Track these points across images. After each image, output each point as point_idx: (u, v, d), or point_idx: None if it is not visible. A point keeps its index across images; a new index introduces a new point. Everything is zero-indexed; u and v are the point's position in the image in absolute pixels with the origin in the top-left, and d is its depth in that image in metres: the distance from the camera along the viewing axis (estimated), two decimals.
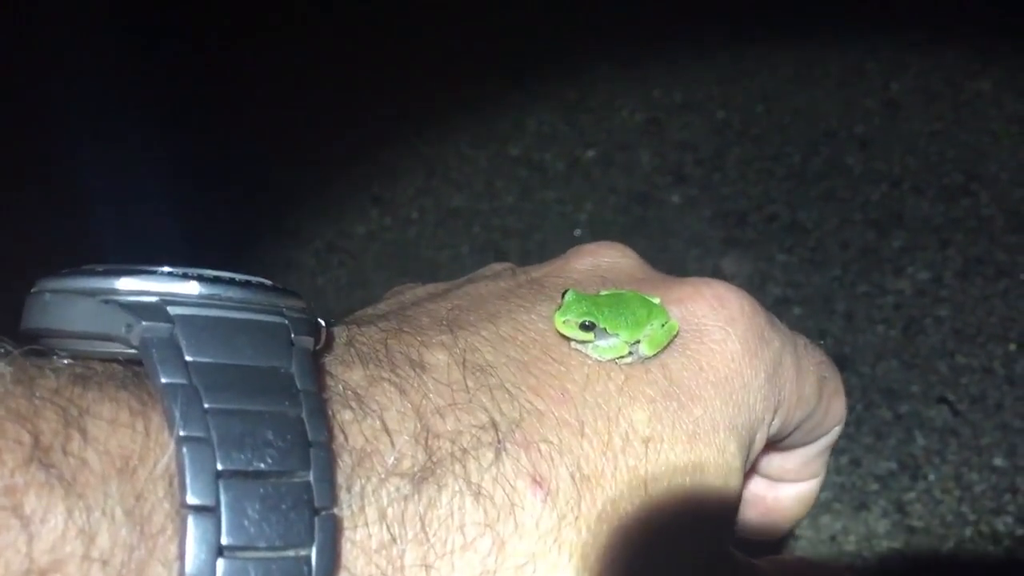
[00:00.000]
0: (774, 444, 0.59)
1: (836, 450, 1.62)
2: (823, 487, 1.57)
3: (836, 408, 0.61)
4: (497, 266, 0.58)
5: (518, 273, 0.57)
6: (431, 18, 2.27)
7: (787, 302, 1.87)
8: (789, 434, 0.59)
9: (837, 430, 0.63)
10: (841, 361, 1.77)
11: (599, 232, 2.03)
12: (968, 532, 1.53)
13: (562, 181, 2.12)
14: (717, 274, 1.95)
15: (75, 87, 1.77)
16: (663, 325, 0.51)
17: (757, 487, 0.68)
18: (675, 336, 0.51)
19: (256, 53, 2.22)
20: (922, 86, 2.22)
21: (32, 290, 0.42)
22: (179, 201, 1.73)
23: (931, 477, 1.59)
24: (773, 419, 0.54)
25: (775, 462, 0.65)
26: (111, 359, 0.40)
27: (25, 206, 1.52)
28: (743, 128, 2.18)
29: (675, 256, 1.95)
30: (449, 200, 2.07)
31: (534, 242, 2.05)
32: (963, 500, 1.57)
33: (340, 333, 0.47)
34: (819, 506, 1.57)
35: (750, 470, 0.63)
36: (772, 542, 0.69)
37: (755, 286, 1.89)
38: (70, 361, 0.39)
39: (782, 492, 0.67)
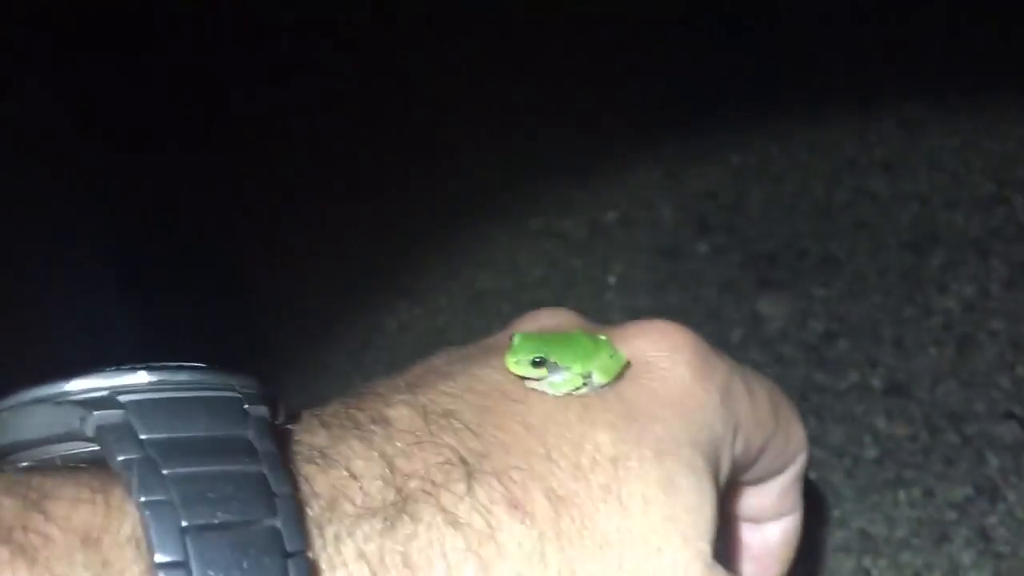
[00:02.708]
0: (744, 477, 0.61)
1: (906, 482, 1.56)
2: (897, 524, 1.50)
3: (796, 434, 0.63)
4: (441, 351, 0.62)
5: (467, 345, 0.62)
6: (432, 102, 2.30)
7: (832, 336, 1.82)
8: (755, 461, 0.61)
9: (802, 458, 0.68)
10: (897, 389, 1.70)
11: (630, 292, 2.00)
12: None
13: (586, 247, 2.11)
14: (756, 318, 1.90)
15: (46, 186, 1.77)
16: (611, 356, 0.55)
17: (741, 534, 0.70)
18: (626, 367, 0.55)
19: (255, 152, 2.25)
20: (937, 101, 2.19)
21: None
22: (200, 317, 1.75)
23: (1011, 497, 1.51)
24: (735, 441, 0.56)
25: (751, 501, 0.68)
26: (71, 459, 0.42)
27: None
28: (761, 169, 2.16)
29: (709, 305, 1.92)
30: (474, 283, 2.07)
31: None
32: None
33: (303, 415, 0.48)
34: (897, 543, 1.49)
35: (730, 514, 0.66)
36: None
37: (797, 325, 1.85)
38: (28, 463, 0.41)
39: (766, 532, 0.69)
